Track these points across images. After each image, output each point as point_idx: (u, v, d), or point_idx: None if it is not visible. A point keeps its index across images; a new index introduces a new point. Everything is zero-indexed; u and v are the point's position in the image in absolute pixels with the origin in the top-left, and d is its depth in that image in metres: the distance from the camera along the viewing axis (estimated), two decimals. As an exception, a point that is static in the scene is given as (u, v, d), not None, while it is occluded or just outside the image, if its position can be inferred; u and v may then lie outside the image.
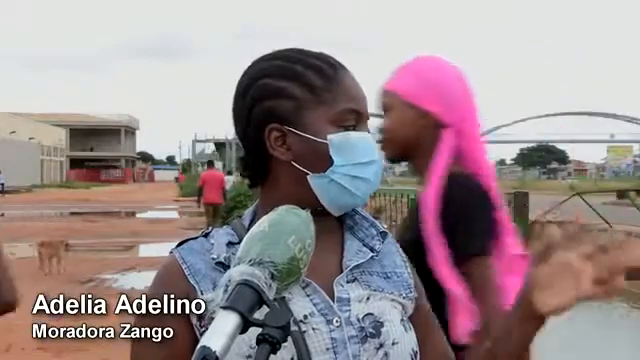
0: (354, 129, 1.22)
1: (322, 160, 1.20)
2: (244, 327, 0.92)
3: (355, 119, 1.22)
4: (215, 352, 0.88)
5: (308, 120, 1.21)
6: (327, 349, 1.14)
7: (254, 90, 1.24)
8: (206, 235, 1.24)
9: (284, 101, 1.22)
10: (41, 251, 12.24)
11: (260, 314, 0.93)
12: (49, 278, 11.16)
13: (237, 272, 0.96)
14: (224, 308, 0.92)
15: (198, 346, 0.89)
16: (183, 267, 1.19)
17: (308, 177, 1.21)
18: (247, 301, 0.92)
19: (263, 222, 1.03)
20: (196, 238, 1.24)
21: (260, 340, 0.91)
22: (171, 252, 1.23)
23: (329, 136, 1.20)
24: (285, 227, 1.01)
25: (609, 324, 11.84)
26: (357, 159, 1.21)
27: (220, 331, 0.90)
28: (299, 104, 1.21)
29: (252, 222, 1.25)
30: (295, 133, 1.21)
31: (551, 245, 1.12)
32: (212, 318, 1.15)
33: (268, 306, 0.94)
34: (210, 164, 19.36)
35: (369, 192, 1.24)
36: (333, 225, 1.27)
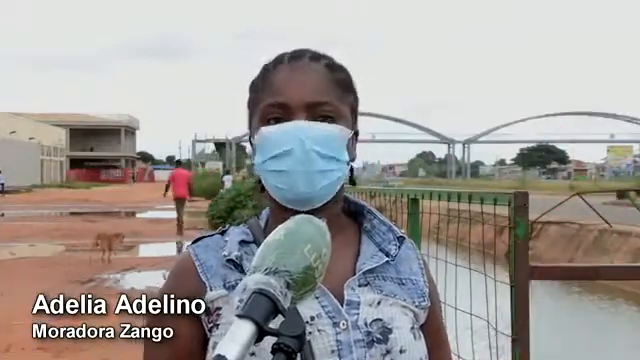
0: (281, 122, 1.20)
1: None
2: (259, 336, 0.91)
3: (282, 113, 1.20)
4: None
5: (253, 121, 1.26)
6: (332, 352, 1.14)
7: None
8: (223, 232, 1.26)
9: (249, 106, 1.28)
10: (98, 242, 14.21)
11: (275, 323, 0.93)
12: (50, 278, 11.14)
13: (252, 281, 0.95)
14: (239, 317, 0.91)
15: (213, 355, 0.89)
16: (196, 263, 1.22)
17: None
18: (262, 310, 0.92)
19: (279, 230, 1.02)
20: (212, 235, 1.27)
21: (275, 350, 0.90)
22: (187, 248, 1.26)
23: (255, 135, 1.23)
24: (301, 236, 1.00)
25: (615, 326, 11.82)
26: (271, 152, 1.19)
27: (235, 340, 0.89)
28: (250, 107, 1.27)
29: (268, 222, 1.27)
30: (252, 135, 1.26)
31: None
32: (219, 315, 1.18)
33: (283, 315, 0.93)
34: (178, 163, 22.85)
35: (299, 184, 1.17)
36: (350, 228, 1.28)
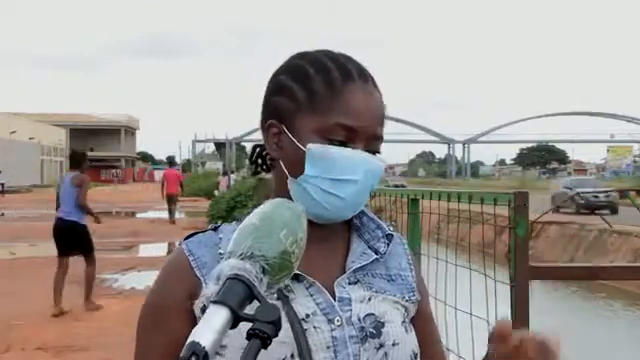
0: (344, 145, 1.18)
1: (301, 167, 1.20)
2: (234, 322, 0.90)
3: (346, 135, 1.18)
4: (204, 347, 0.86)
5: (299, 124, 1.21)
6: (328, 347, 1.15)
7: (270, 84, 1.27)
8: (215, 229, 1.25)
9: (287, 100, 1.23)
10: None
11: (251, 308, 0.92)
12: (50, 278, 11.13)
13: (227, 266, 0.94)
14: (214, 303, 0.90)
15: (187, 341, 0.87)
16: (190, 259, 1.21)
17: (288, 180, 1.22)
18: (237, 296, 0.90)
19: (254, 215, 1.01)
20: (205, 231, 1.26)
21: (250, 335, 0.89)
22: (180, 244, 1.25)
23: (308, 145, 1.19)
24: (276, 221, 0.99)
25: (614, 325, 11.83)
26: (333, 174, 1.18)
27: (210, 326, 0.88)
28: (297, 107, 1.22)
29: None
30: (286, 133, 1.22)
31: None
32: None
33: (259, 301, 0.92)
34: (170, 163, 27.37)
35: (345, 210, 1.20)
36: (340, 226, 1.27)
